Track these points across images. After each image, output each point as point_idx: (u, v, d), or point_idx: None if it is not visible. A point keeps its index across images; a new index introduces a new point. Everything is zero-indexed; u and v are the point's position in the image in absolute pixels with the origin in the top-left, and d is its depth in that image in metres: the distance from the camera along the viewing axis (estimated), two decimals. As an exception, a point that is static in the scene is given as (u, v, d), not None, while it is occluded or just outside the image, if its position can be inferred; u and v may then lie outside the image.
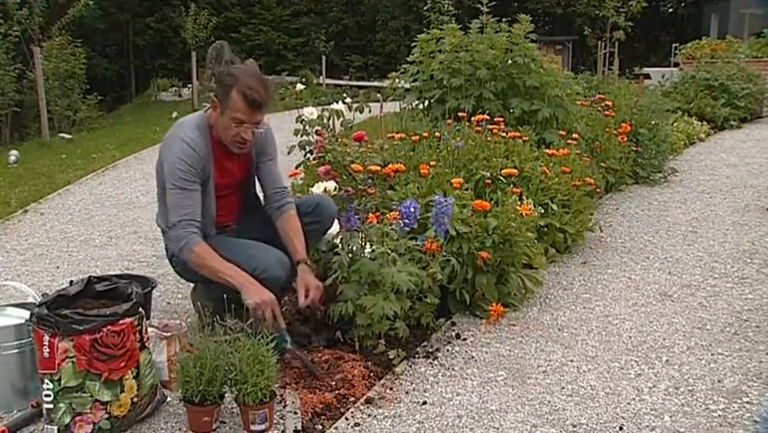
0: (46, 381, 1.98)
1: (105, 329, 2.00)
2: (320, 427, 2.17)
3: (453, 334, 2.90)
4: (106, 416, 2.02)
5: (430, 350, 2.73)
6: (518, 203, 3.30)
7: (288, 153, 3.65)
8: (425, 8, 8.75)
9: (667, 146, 6.79)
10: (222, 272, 2.39)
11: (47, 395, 1.98)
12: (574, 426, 2.19)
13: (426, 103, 5.19)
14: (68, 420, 1.98)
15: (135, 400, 2.09)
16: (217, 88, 2.45)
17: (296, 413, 2.22)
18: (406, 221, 2.63)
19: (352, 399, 2.33)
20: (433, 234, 2.74)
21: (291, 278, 2.62)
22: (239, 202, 2.77)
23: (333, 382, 2.41)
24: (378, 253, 2.54)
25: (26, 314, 2.28)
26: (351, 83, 19.54)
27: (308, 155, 3.65)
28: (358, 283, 2.55)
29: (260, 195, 2.80)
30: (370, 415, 2.24)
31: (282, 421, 2.19)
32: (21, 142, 10.86)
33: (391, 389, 2.41)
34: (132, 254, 4.15)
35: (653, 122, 6.43)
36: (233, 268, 2.40)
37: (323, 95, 14.94)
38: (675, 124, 8.39)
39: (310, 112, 3.59)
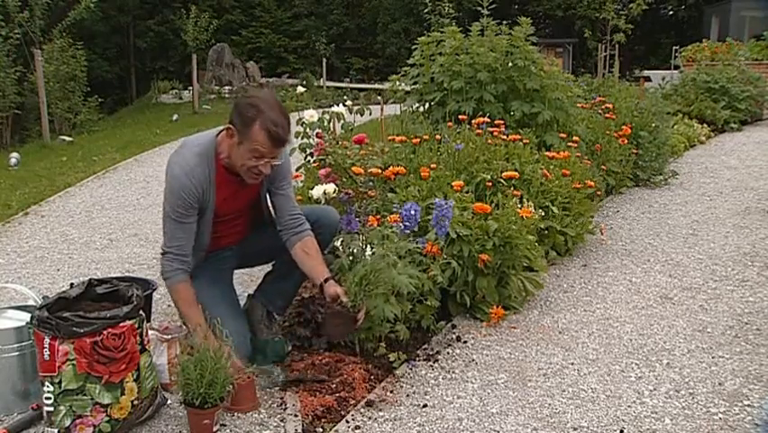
0: (47, 383, 1.98)
1: (105, 332, 2.00)
2: (320, 429, 2.17)
3: (454, 336, 2.89)
4: (107, 418, 2.02)
5: (430, 353, 2.73)
6: (519, 205, 3.30)
7: (289, 156, 3.65)
8: (426, 11, 8.73)
9: (667, 149, 6.79)
10: (189, 320, 2.38)
11: (47, 398, 1.98)
12: (575, 429, 2.19)
13: (427, 105, 5.19)
14: (68, 423, 1.98)
15: (136, 402, 2.09)
16: (236, 117, 2.31)
17: (296, 416, 2.22)
18: (407, 223, 2.63)
19: (353, 401, 2.33)
20: (433, 236, 2.74)
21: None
22: (244, 225, 2.68)
23: (334, 385, 2.41)
24: (378, 255, 2.54)
25: (27, 316, 2.28)
26: (351, 85, 19.52)
27: (309, 158, 3.65)
28: (358, 286, 2.54)
29: (268, 212, 2.68)
30: (370, 418, 2.24)
31: (282, 424, 2.19)
32: (21, 144, 10.86)
33: (392, 391, 2.41)
34: (133, 257, 4.15)
35: (653, 124, 6.42)
36: (199, 322, 2.33)
37: (323, 97, 14.95)
38: (675, 127, 8.39)
39: (311, 114, 3.59)
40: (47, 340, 1.97)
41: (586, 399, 2.38)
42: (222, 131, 2.42)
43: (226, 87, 17.44)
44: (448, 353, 2.75)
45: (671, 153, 7.12)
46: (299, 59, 24.26)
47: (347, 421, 2.20)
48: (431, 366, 2.63)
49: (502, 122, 4.39)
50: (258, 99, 2.33)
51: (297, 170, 3.77)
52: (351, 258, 2.64)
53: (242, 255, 2.73)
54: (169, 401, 2.29)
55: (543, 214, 3.67)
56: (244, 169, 2.35)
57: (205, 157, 2.39)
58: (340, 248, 2.75)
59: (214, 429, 2.10)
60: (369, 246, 2.66)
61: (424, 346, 2.78)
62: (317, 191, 3.11)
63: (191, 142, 2.46)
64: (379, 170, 3.22)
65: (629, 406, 2.33)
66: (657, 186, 6.18)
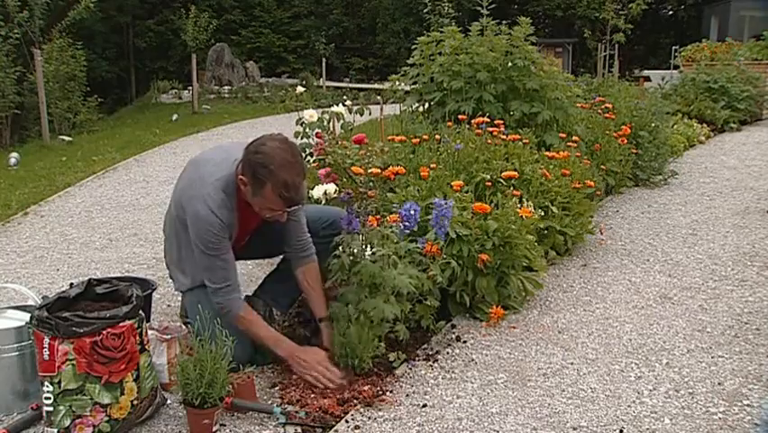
0: (46, 383, 1.98)
1: (105, 332, 2.00)
2: (320, 429, 2.17)
3: (453, 336, 2.89)
4: (106, 418, 2.02)
5: (430, 352, 2.73)
6: (518, 205, 3.30)
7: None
8: (425, 11, 8.74)
9: (667, 149, 6.79)
10: (265, 341, 2.45)
11: (47, 398, 1.98)
12: (574, 428, 2.19)
13: (426, 105, 5.19)
14: (68, 423, 1.98)
15: (135, 402, 2.09)
16: (248, 174, 2.27)
17: (296, 416, 2.22)
18: (407, 223, 2.63)
19: (353, 401, 2.32)
20: (433, 236, 2.74)
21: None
22: (250, 239, 2.71)
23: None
24: (378, 255, 2.54)
25: (26, 316, 2.28)
26: (351, 85, 19.51)
27: (308, 157, 3.65)
28: (358, 286, 2.55)
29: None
30: (369, 417, 2.24)
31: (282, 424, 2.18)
32: (21, 144, 10.85)
33: (391, 391, 2.41)
34: (133, 257, 4.15)
35: (653, 124, 6.43)
36: (278, 338, 2.46)
37: (323, 97, 14.94)
38: (675, 127, 8.39)
39: (310, 114, 3.59)
40: (46, 340, 1.97)
41: (585, 398, 2.39)
42: (239, 163, 2.36)
43: (226, 87, 17.44)
44: (448, 352, 2.75)
45: (670, 153, 7.13)
46: (299, 58, 24.23)
47: (346, 421, 2.20)
48: (430, 366, 2.63)
49: (502, 122, 4.39)
50: (268, 158, 2.23)
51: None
52: (351, 258, 2.63)
53: (242, 254, 2.74)
54: (168, 401, 2.29)
55: (542, 214, 3.67)
56: (262, 214, 2.39)
57: (229, 193, 2.35)
58: (340, 248, 2.74)
59: (214, 429, 2.10)
60: (369, 246, 2.65)
61: (423, 346, 2.78)
62: (318, 191, 3.11)
63: (208, 173, 2.37)
64: (379, 170, 3.22)
65: (629, 406, 2.33)
66: (657, 186, 6.18)
